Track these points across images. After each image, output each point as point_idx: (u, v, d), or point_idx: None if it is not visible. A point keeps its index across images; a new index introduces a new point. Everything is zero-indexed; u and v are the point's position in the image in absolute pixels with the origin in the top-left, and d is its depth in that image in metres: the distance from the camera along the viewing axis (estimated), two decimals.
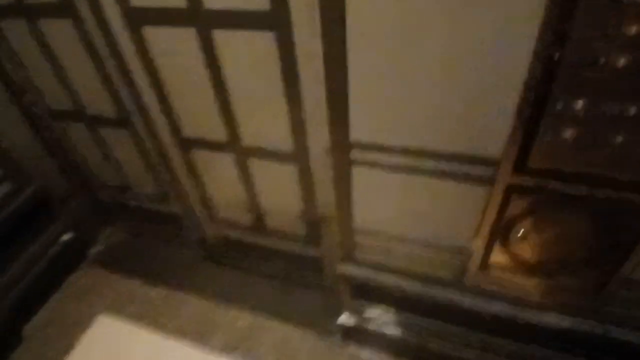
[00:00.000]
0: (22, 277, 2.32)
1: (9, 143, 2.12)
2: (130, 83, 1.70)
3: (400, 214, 1.44)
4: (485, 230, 1.30)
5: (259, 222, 2.06)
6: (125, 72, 1.66)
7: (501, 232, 1.32)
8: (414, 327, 1.86)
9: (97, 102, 1.93)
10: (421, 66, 1.07)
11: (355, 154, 1.30)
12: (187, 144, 1.85)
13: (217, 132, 1.71)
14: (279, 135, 1.59)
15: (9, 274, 2.27)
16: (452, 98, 1.10)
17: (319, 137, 1.50)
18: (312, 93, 1.36)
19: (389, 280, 1.67)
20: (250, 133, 1.65)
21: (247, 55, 1.38)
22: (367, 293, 1.85)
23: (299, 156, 1.63)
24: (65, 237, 2.51)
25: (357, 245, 1.63)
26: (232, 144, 1.73)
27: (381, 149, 1.26)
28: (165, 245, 2.68)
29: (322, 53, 1.13)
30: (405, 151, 1.23)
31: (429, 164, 1.22)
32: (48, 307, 2.44)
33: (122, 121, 1.95)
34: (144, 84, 1.67)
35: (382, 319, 1.91)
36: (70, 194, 2.49)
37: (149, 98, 1.72)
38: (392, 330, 1.90)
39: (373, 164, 1.31)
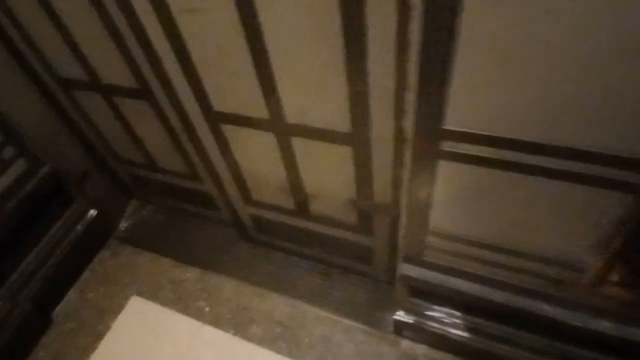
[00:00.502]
0: (47, 259, 2.16)
1: (19, 118, 1.87)
2: (148, 47, 1.38)
3: (497, 221, 1.14)
4: (616, 245, 1.00)
5: (300, 206, 1.80)
6: (141, 32, 1.35)
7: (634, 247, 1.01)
8: (482, 331, 1.63)
9: (113, 70, 1.63)
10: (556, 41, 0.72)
11: (447, 145, 0.98)
12: (219, 120, 1.55)
13: (256, 107, 1.40)
14: (333, 113, 1.28)
15: (34, 256, 2.12)
16: (595, 83, 0.76)
17: (385, 120, 1.19)
18: (385, 63, 1.02)
19: (463, 286, 1.41)
20: (296, 109, 1.34)
21: (295, 8, 1.04)
22: (430, 294, 1.60)
23: (357, 139, 1.32)
24: (89, 215, 2.32)
25: (427, 246, 1.36)
26: (274, 121, 1.42)
27: (488, 141, 0.94)
28: (195, 223, 2.48)
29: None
30: (522, 146, 0.91)
31: (555, 162, 0.90)
32: (77, 289, 2.31)
33: (141, 92, 1.65)
34: (164, 49, 1.36)
35: (445, 319, 1.68)
36: (89, 170, 2.26)
37: (171, 66, 1.41)
38: (456, 331, 1.68)
39: (470, 159, 0.99)
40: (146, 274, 2.33)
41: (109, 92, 1.75)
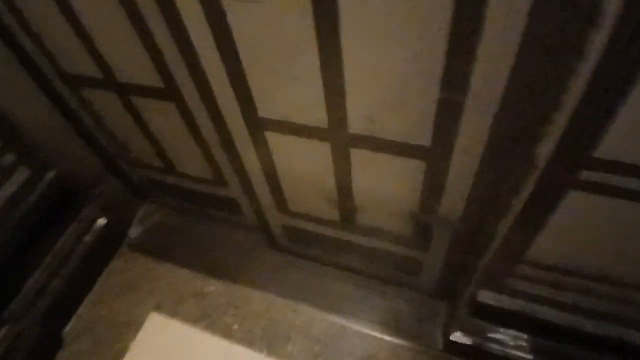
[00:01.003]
0: (56, 275, 1.95)
1: (20, 119, 1.62)
2: (185, 43, 1.16)
3: (609, 250, 0.97)
4: None
5: (346, 217, 1.62)
6: (177, 25, 1.12)
7: None
8: (550, 353, 1.49)
9: (133, 67, 1.39)
10: None
11: (587, 175, 0.80)
12: (263, 126, 1.34)
13: (313, 115, 1.20)
14: (411, 124, 1.09)
15: (41, 272, 1.90)
16: None
17: (476, 134, 1.00)
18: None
19: (549, 314, 1.26)
20: (364, 119, 1.14)
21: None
22: (497, 317, 1.45)
23: (436, 152, 1.13)
24: (98, 223, 2.10)
25: (515, 274, 1.19)
26: (333, 130, 1.22)
27: (637, 172, 0.76)
28: (215, 227, 2.27)
29: None
30: None
31: None
32: (88, 305, 2.11)
33: (167, 92, 1.42)
34: (206, 45, 1.13)
35: (509, 342, 1.54)
36: (98, 174, 2.03)
37: (212, 65, 1.19)
38: (520, 353, 1.54)
39: (609, 190, 0.81)
40: (165, 285, 2.13)
41: (126, 91, 1.51)
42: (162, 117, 1.57)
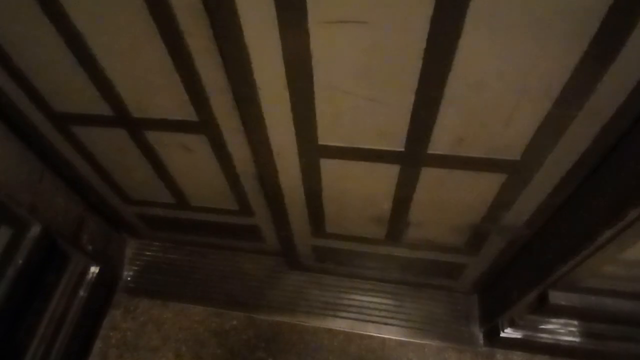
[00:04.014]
0: (52, 345, 1.65)
1: None
2: (242, 70, 0.98)
3: None
4: None
5: (393, 234, 1.55)
6: (238, 51, 0.94)
7: None
8: (599, 334, 1.58)
9: (160, 101, 1.17)
10: None
11: None
12: (321, 154, 1.21)
13: (387, 139, 1.10)
14: (508, 140, 1.03)
15: (37, 345, 1.59)
16: None
17: (573, 146, 0.98)
18: None
19: (616, 304, 1.31)
20: (453, 139, 1.06)
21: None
22: (550, 310, 1.49)
23: (525, 166, 1.10)
24: (91, 273, 1.81)
25: (600, 275, 1.21)
26: (410, 152, 1.13)
27: None
28: (223, 257, 2.08)
29: None
30: None
31: None
32: None
33: (200, 125, 1.22)
34: (274, 72, 0.97)
35: (559, 330, 1.59)
36: (81, 217, 1.73)
37: (273, 94, 1.03)
38: (570, 338, 1.61)
39: None
40: (178, 329, 1.91)
41: (141, 126, 1.28)
42: (182, 151, 1.36)
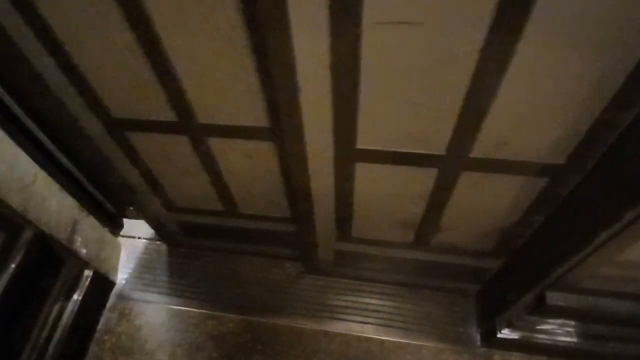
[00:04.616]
0: (47, 344, 1.63)
1: None
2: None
3: None
4: None
5: (422, 239, 1.54)
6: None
7: None
8: (595, 335, 1.58)
9: (232, 108, 1.17)
10: None
11: None
12: (358, 158, 1.20)
13: (427, 142, 1.09)
14: (547, 143, 1.02)
15: (31, 344, 1.58)
16: None
17: None
18: None
19: (613, 305, 1.31)
20: (496, 141, 1.04)
21: None
22: (548, 310, 1.49)
23: (567, 170, 1.08)
24: (84, 277, 1.80)
25: (598, 275, 1.21)
26: (452, 155, 1.11)
27: None
28: (221, 259, 2.06)
29: None
30: None
31: None
32: None
33: (269, 131, 1.21)
34: (317, 72, 0.93)
35: (556, 330, 1.59)
36: (75, 219, 1.71)
37: (316, 95, 1.00)
38: (566, 339, 1.61)
39: None
40: (174, 333, 1.89)
41: (204, 133, 1.27)
42: (246, 158, 1.35)
